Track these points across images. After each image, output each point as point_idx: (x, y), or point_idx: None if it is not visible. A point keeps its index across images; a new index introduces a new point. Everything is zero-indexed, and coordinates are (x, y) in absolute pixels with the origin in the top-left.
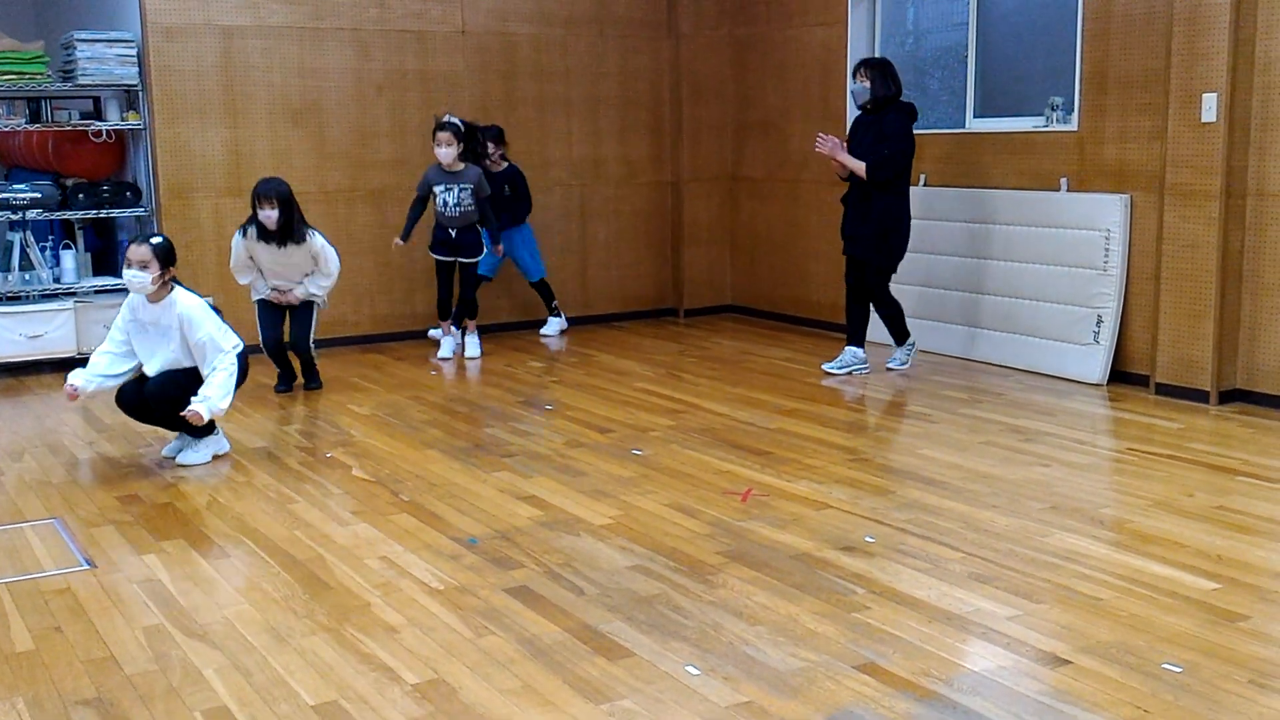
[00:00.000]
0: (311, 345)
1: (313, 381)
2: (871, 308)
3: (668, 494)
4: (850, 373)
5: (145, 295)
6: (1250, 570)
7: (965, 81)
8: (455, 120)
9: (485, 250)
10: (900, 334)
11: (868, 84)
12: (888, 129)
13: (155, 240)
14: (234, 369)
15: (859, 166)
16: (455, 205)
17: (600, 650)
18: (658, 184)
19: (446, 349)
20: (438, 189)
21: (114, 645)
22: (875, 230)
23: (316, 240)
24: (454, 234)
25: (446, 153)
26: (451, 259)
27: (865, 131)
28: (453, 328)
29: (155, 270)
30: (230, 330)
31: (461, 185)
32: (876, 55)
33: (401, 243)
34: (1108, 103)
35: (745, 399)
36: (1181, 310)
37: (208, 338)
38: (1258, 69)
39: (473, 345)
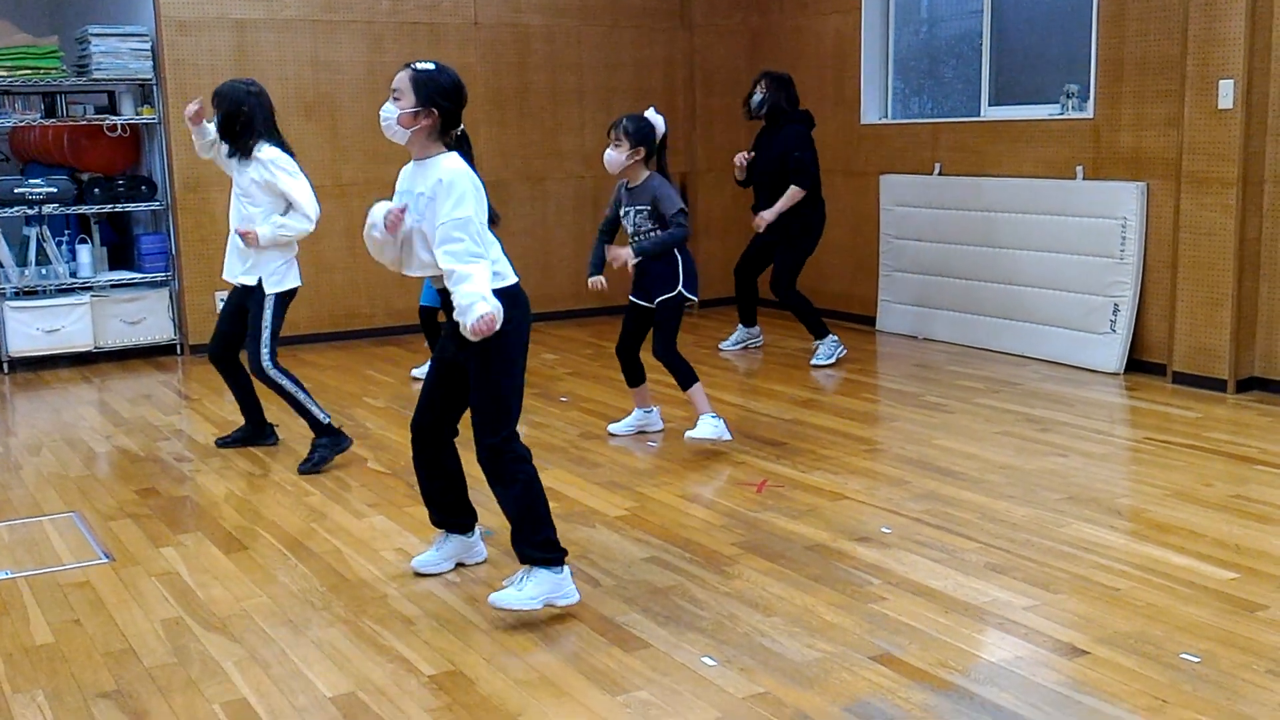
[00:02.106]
0: (265, 358)
1: (260, 432)
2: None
3: (683, 485)
4: (745, 347)
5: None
6: (1268, 560)
7: (980, 69)
8: (648, 114)
9: (676, 287)
10: (818, 328)
11: (764, 95)
12: (790, 141)
13: (420, 66)
14: (482, 269)
15: (790, 196)
16: (634, 232)
17: (616, 641)
18: (671, 175)
19: (624, 425)
20: (624, 210)
21: (133, 638)
22: (795, 232)
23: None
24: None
25: (611, 156)
26: (639, 302)
27: (770, 142)
28: (643, 410)
29: (409, 103)
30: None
31: (639, 205)
32: (779, 70)
33: (596, 280)
34: (1124, 90)
35: (760, 390)
36: (1199, 298)
37: (459, 214)
38: (1275, 54)
39: (708, 425)
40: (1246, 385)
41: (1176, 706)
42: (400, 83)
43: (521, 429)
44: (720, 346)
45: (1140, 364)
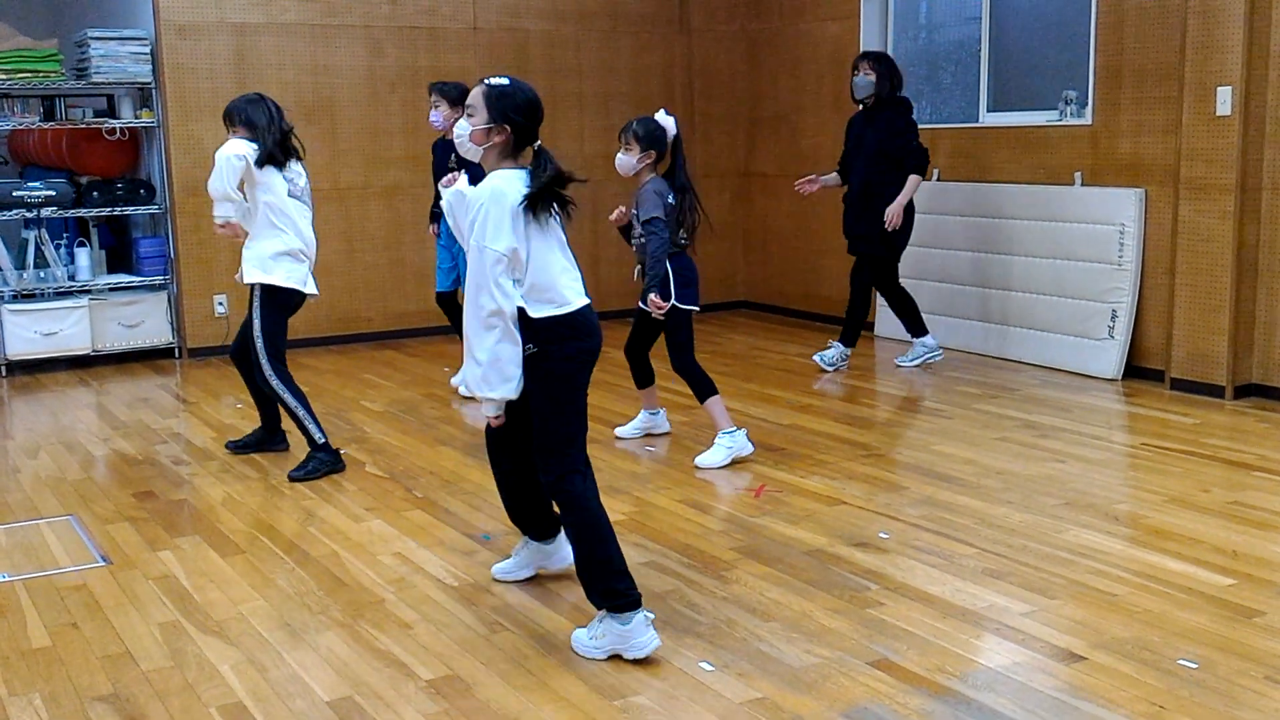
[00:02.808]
0: (263, 363)
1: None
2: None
3: (681, 490)
4: (923, 363)
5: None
6: (1266, 566)
7: (978, 75)
8: (657, 116)
9: (668, 300)
10: (917, 327)
11: (872, 78)
12: (898, 124)
13: (493, 81)
14: (486, 321)
15: (912, 185)
16: (636, 236)
17: None
18: (691, 179)
19: (631, 428)
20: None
21: (130, 641)
22: (880, 223)
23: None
24: (636, 274)
25: (621, 161)
26: (643, 309)
27: (864, 130)
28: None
29: (481, 119)
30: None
31: (635, 211)
32: (876, 49)
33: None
34: (1122, 96)
35: (758, 395)
36: (1196, 305)
37: (474, 240)
38: (1273, 62)
39: (721, 449)
40: (1244, 391)
41: (1174, 712)
42: (474, 99)
43: None
44: (897, 362)
45: (1138, 370)
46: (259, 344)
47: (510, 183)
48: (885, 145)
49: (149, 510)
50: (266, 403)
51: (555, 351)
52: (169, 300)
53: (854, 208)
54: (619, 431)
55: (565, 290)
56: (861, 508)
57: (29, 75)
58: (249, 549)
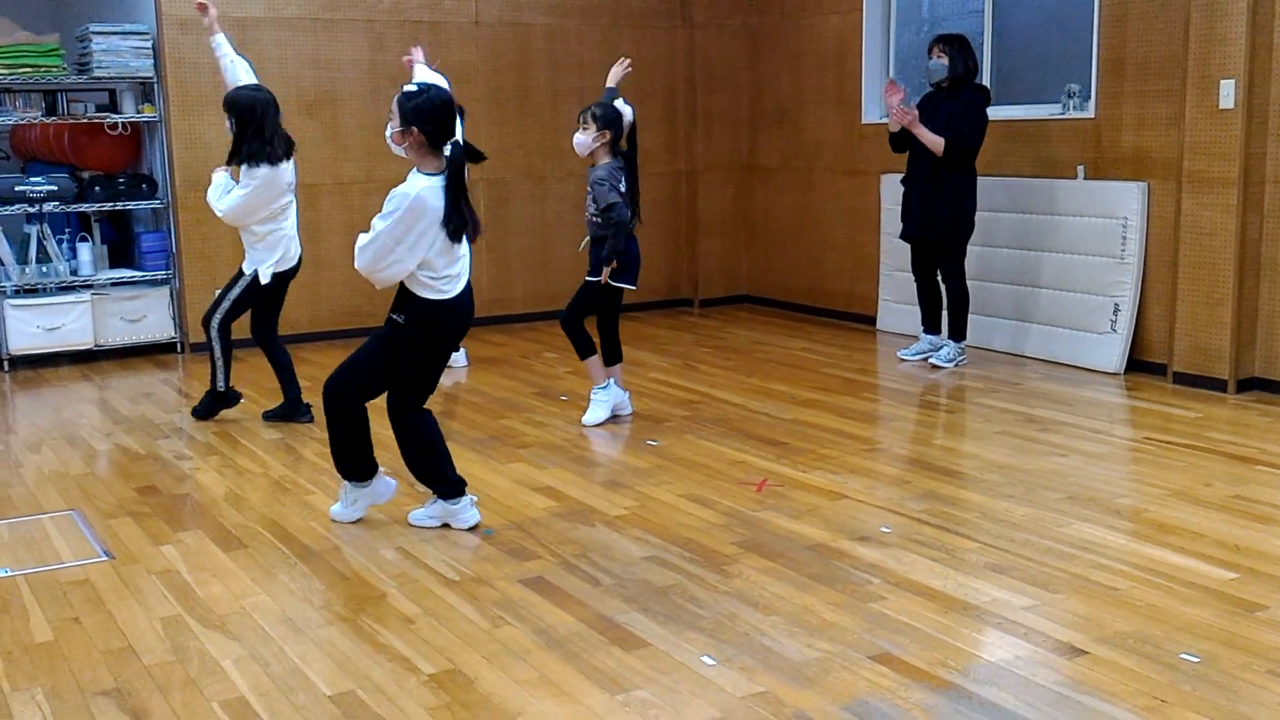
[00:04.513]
0: (216, 318)
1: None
2: (944, 292)
3: (683, 484)
4: (926, 359)
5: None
6: (1268, 560)
7: (981, 69)
8: (615, 103)
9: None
10: (960, 329)
11: (945, 61)
12: (963, 108)
13: (406, 89)
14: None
15: (936, 142)
16: (588, 216)
17: (616, 641)
18: (672, 174)
19: (595, 414)
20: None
21: (132, 636)
22: (949, 211)
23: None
24: (583, 245)
25: (578, 139)
26: (592, 278)
27: (937, 110)
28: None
29: (396, 122)
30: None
31: (589, 190)
32: (953, 32)
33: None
34: (1125, 89)
35: (760, 389)
36: (1199, 299)
37: (384, 227)
38: (1276, 55)
39: (598, 407)
40: (1247, 385)
41: (1176, 707)
42: (393, 104)
43: (524, 429)
44: (899, 354)
45: (1141, 364)
46: (224, 309)
47: (434, 196)
48: (949, 127)
49: (151, 505)
50: (286, 374)
51: (415, 335)
52: (171, 295)
53: (918, 191)
54: (585, 420)
55: (449, 281)
56: (863, 502)
57: (30, 70)
58: (251, 544)
